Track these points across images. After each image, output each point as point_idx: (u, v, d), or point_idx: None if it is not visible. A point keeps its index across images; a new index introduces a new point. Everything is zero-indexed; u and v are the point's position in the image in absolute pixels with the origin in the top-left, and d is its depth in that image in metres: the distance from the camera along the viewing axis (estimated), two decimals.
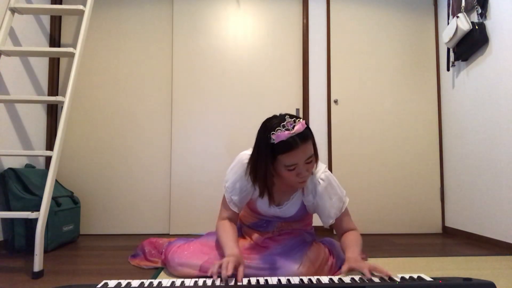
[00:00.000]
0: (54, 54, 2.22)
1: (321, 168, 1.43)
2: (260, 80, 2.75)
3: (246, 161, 1.37)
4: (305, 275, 1.25)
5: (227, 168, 1.42)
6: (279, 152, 1.22)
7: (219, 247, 1.40)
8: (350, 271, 1.17)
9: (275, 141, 1.21)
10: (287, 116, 1.24)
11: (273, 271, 1.31)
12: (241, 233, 1.59)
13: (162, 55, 2.74)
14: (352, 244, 1.33)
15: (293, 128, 1.21)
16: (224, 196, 1.48)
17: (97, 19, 2.70)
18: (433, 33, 2.90)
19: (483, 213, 2.34)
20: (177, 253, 1.45)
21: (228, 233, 1.37)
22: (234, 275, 1.14)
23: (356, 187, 2.74)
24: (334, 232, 1.96)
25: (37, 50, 2.15)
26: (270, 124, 1.25)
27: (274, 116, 1.29)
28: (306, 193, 1.43)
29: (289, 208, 1.47)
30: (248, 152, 1.39)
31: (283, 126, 1.21)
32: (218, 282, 1.10)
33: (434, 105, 2.86)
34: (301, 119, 1.26)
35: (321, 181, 1.39)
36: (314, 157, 1.31)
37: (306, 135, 1.23)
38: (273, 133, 1.21)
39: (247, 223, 1.61)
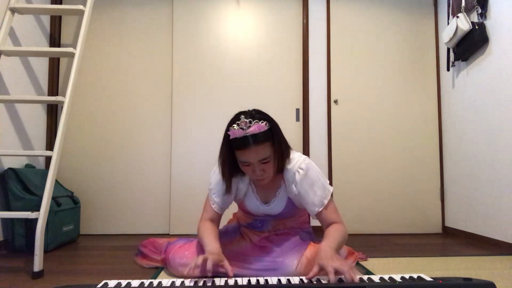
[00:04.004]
0: (54, 54, 2.22)
1: (300, 159, 1.41)
2: (260, 80, 2.75)
3: None
4: (304, 274, 1.25)
5: None
6: (234, 147, 1.28)
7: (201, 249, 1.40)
8: (319, 272, 1.11)
9: (231, 137, 1.26)
10: (242, 116, 1.27)
11: (271, 272, 1.31)
12: (240, 233, 1.59)
13: (162, 55, 2.73)
14: (329, 236, 1.28)
15: (247, 128, 1.23)
16: (206, 198, 1.49)
17: (97, 19, 2.70)
18: (433, 33, 2.90)
19: (483, 213, 2.34)
20: (178, 254, 1.45)
21: (208, 232, 1.37)
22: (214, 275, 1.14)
23: (356, 187, 2.74)
24: None
25: (37, 50, 2.15)
26: (232, 119, 1.30)
27: (242, 112, 1.31)
28: (288, 185, 1.42)
29: (277, 205, 1.47)
30: None
31: (238, 125, 1.25)
32: (218, 282, 1.10)
33: (434, 105, 2.86)
34: (260, 122, 1.26)
35: (300, 170, 1.38)
36: (276, 157, 1.32)
37: (261, 138, 1.24)
38: (230, 129, 1.26)
39: (244, 224, 1.62)
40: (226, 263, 1.20)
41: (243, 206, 1.53)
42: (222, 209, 1.47)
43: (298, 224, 1.59)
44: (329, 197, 1.40)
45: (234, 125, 1.26)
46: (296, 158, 1.42)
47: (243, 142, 1.24)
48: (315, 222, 1.64)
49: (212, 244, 1.29)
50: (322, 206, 1.37)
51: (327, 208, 1.38)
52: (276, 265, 1.34)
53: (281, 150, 1.34)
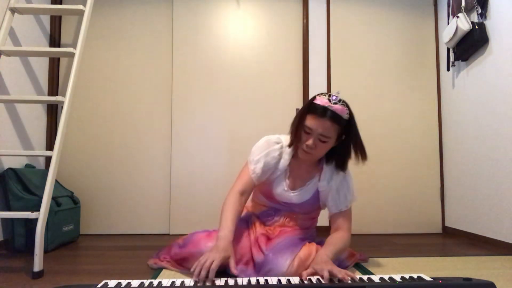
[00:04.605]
0: (54, 54, 2.22)
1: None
2: (260, 80, 2.75)
3: (273, 140, 1.52)
4: (295, 275, 1.25)
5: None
6: (310, 111, 1.37)
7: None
8: (313, 274, 1.20)
9: (314, 101, 1.38)
10: (336, 97, 1.38)
11: (263, 271, 1.31)
12: (247, 224, 1.58)
13: (162, 55, 2.73)
14: (330, 243, 1.38)
15: (333, 103, 1.35)
16: (242, 169, 1.53)
17: (97, 19, 2.70)
18: (433, 33, 2.90)
19: (483, 213, 2.34)
20: (209, 239, 1.43)
21: (231, 210, 1.39)
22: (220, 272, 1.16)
23: (356, 187, 2.71)
24: None
25: (37, 50, 2.15)
26: (326, 92, 1.43)
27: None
28: (322, 178, 1.50)
29: (303, 194, 1.52)
30: (275, 136, 1.54)
31: (329, 96, 1.38)
32: (218, 282, 1.10)
33: (434, 105, 2.86)
34: (348, 109, 1.39)
35: (341, 172, 1.49)
36: (334, 144, 1.40)
37: (337, 118, 1.35)
38: (319, 94, 1.40)
39: (256, 213, 1.63)
40: (231, 261, 1.22)
41: (269, 188, 1.54)
42: (259, 179, 1.50)
43: (308, 223, 1.60)
44: (351, 205, 1.51)
45: (325, 94, 1.39)
46: None
47: (321, 111, 1.34)
48: (320, 222, 1.65)
49: (225, 231, 1.32)
50: (344, 208, 1.49)
51: (345, 213, 1.50)
52: (267, 263, 1.33)
53: (345, 147, 1.43)
